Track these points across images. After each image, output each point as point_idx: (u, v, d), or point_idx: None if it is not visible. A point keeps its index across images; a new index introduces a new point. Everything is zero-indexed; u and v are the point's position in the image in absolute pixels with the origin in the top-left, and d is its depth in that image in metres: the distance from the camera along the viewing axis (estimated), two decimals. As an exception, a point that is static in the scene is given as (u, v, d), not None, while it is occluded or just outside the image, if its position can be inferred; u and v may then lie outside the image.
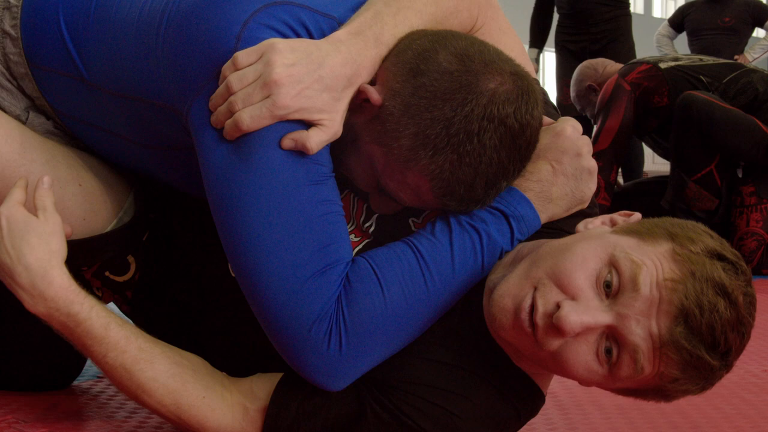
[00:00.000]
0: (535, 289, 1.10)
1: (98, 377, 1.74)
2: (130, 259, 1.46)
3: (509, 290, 1.13)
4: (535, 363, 1.18)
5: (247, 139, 1.12)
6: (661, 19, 6.49)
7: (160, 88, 1.21)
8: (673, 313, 1.04)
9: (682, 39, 6.40)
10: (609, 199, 3.78)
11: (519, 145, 1.15)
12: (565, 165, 1.23)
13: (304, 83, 1.10)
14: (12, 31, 1.37)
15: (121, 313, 1.53)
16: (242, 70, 1.11)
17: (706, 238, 1.11)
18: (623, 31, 5.17)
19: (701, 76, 3.68)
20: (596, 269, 1.09)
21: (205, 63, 1.15)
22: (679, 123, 3.57)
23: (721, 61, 3.89)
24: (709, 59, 3.85)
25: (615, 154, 3.75)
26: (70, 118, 1.40)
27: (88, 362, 1.64)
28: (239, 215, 1.13)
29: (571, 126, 1.27)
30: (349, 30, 1.15)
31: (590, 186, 1.27)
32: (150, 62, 1.22)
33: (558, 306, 1.07)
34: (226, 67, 1.13)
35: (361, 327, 1.14)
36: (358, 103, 1.16)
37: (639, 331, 1.06)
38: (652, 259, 1.08)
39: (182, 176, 1.35)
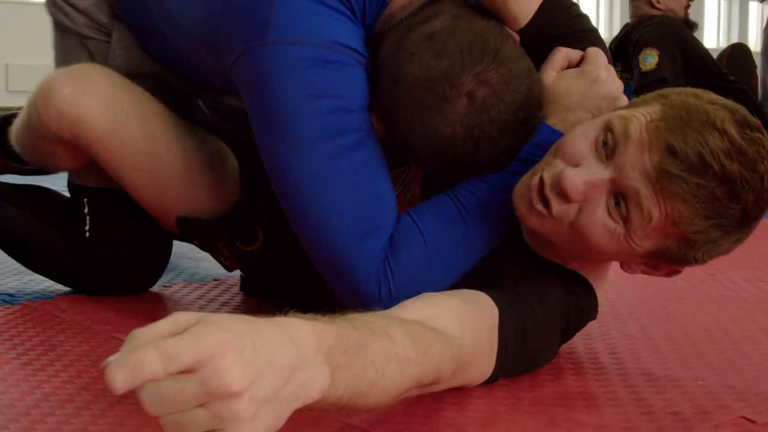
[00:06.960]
0: (544, 170, 1.16)
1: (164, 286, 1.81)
2: (258, 229, 1.59)
3: (523, 179, 1.19)
4: (564, 245, 1.21)
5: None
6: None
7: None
8: (661, 148, 1.07)
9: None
10: None
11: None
12: (603, 112, 1.27)
13: None
14: None
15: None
16: None
17: (702, 94, 1.13)
18: None
19: None
20: (594, 136, 1.14)
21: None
22: None
23: None
24: None
25: None
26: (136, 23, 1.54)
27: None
28: (292, 186, 1.26)
29: (604, 68, 1.30)
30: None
31: None
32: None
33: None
34: None
35: (406, 274, 1.26)
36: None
37: (635, 174, 1.09)
38: (642, 113, 1.12)
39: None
